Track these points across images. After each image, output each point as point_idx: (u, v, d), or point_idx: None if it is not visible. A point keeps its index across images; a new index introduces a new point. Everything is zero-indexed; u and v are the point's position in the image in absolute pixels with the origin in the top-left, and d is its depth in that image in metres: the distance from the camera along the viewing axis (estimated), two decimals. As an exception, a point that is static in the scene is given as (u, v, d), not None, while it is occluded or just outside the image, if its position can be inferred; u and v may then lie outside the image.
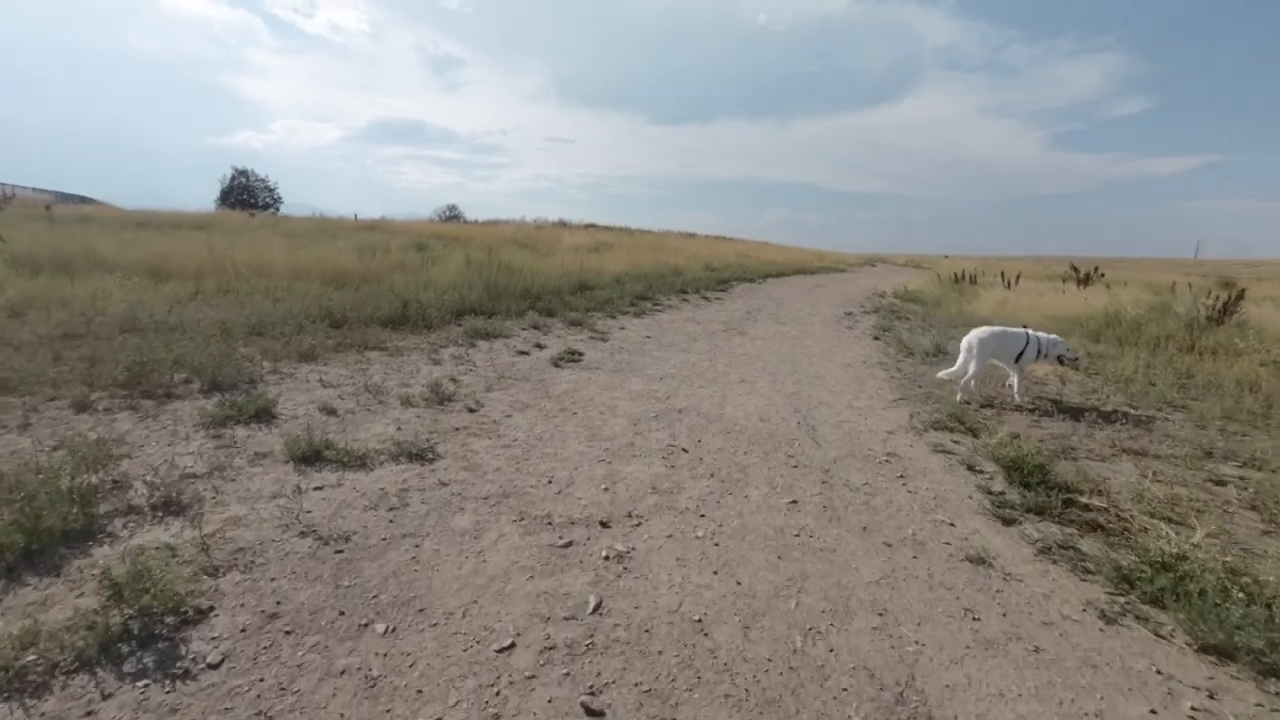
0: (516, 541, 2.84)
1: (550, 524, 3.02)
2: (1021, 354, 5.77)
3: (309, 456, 3.51)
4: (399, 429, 4.15)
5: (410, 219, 35.91)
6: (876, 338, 9.20)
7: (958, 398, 5.77)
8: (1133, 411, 5.58)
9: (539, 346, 7.19)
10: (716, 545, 2.91)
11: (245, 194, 37.12)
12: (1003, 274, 17.10)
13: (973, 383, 5.80)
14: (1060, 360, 5.85)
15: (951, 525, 3.24)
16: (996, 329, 5.84)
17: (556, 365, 6.34)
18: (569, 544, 2.84)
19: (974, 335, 5.74)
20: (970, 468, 4.06)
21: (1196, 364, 7.53)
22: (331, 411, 4.38)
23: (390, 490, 3.24)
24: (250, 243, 13.43)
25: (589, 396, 5.28)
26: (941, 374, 5.91)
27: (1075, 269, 23.08)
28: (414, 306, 8.00)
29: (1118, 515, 3.32)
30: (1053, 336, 5.92)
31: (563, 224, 39.80)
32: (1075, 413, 5.44)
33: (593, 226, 38.38)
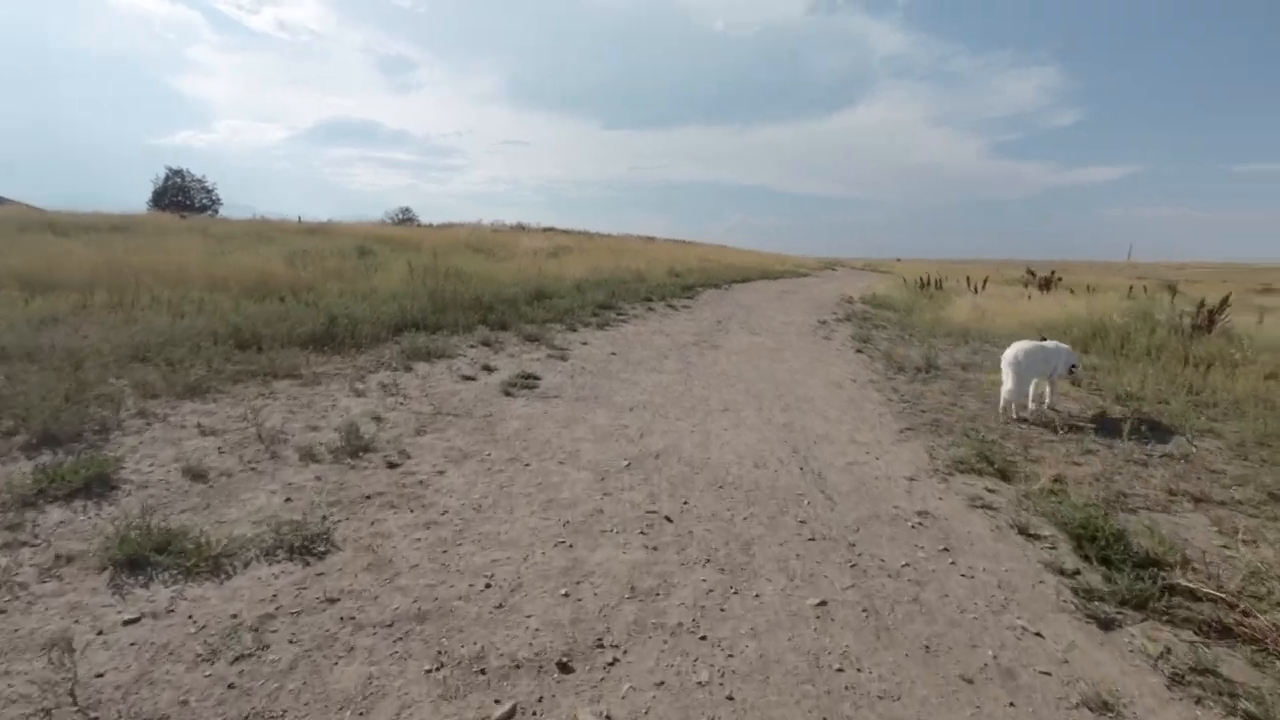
0: (426, 717, 1.82)
1: (482, 672, 2.01)
2: (1056, 367, 5.47)
3: (138, 560, 2.42)
4: (287, 500, 3.07)
5: (360, 221, 34.08)
6: (859, 350, 8.43)
7: (1014, 415, 5.44)
8: (1158, 435, 4.87)
9: (488, 369, 6.13)
10: (730, 700, 1.95)
11: (181, 195, 34.63)
12: (968, 279, 16.74)
13: (1029, 402, 5.51)
14: (1071, 371, 5.57)
15: (1038, 635, 2.36)
16: (1032, 344, 5.48)
17: (507, 393, 5.30)
18: (510, 715, 1.84)
19: (1017, 352, 5.36)
20: (1024, 532, 3.21)
21: (1196, 377, 6.98)
22: (199, 475, 3.26)
23: (246, 619, 2.18)
24: (168, 247, 11.95)
25: (545, 438, 4.26)
26: (1004, 404, 5.44)
27: (1032, 273, 23.11)
28: (343, 322, 6.84)
29: (1241, 611, 2.50)
30: (1064, 346, 5.62)
31: (521, 227, 38.48)
32: (1103, 429, 4.69)
33: (551, 230, 37.20)
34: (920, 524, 3.25)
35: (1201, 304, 9.08)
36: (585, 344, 7.89)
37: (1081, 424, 5.23)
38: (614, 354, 7.33)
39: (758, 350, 8.11)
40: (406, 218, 45.95)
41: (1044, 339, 5.84)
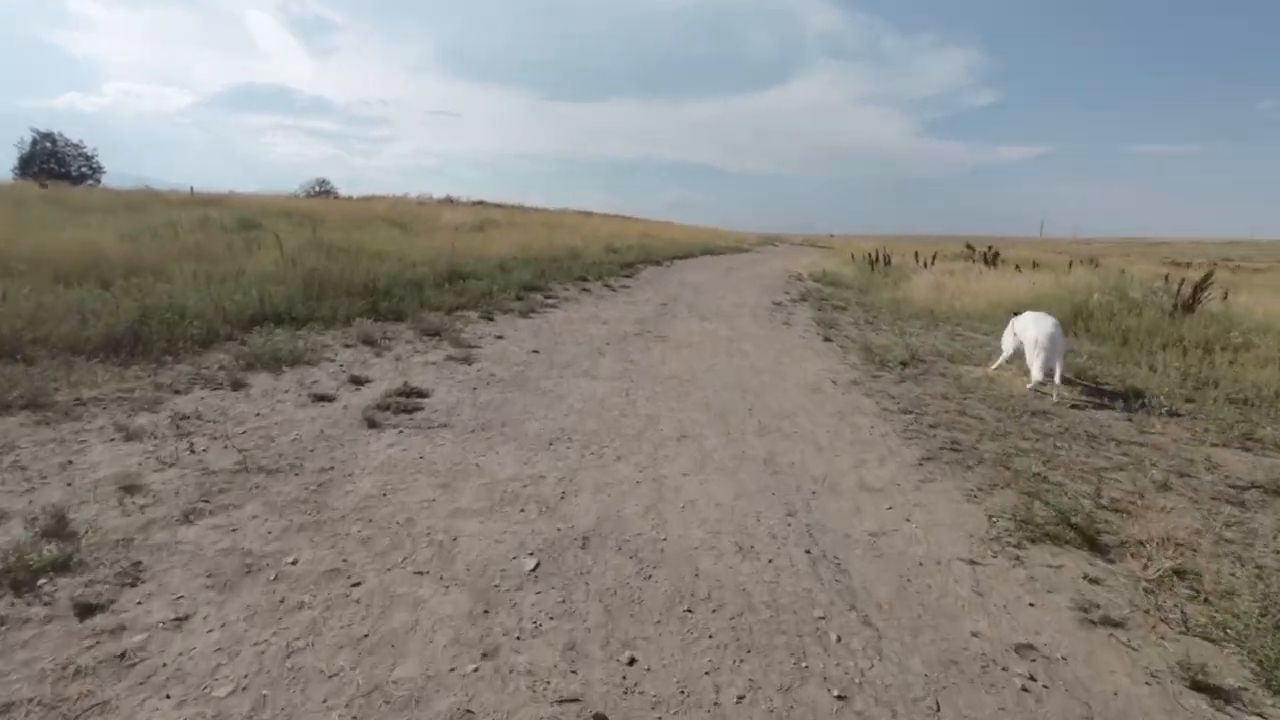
0: None
1: None
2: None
3: None
4: None
5: (271, 194, 30.54)
6: (826, 339, 7.11)
7: (1054, 399, 4.97)
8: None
9: (357, 381, 4.41)
10: None
11: (53, 162, 30.07)
12: (916, 255, 15.90)
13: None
14: None
15: None
16: (1052, 319, 5.28)
17: (372, 424, 3.63)
18: None
19: (1050, 328, 5.10)
20: (1205, 687, 1.88)
21: (1204, 364, 6.02)
22: None
23: None
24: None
25: (406, 513, 2.65)
26: (1047, 387, 5.05)
27: (971, 248, 22.70)
28: (162, 317, 4.93)
29: None
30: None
31: (449, 201, 35.72)
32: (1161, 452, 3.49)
33: (482, 204, 34.67)
34: (1030, 682, 1.87)
35: (1182, 282, 8.24)
36: (501, 338, 6.22)
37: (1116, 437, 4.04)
38: (536, 351, 5.71)
39: (712, 341, 6.66)
40: (324, 190, 42.06)
41: (1016, 314, 5.76)
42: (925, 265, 14.51)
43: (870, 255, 15.95)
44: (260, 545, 2.31)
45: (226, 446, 3.13)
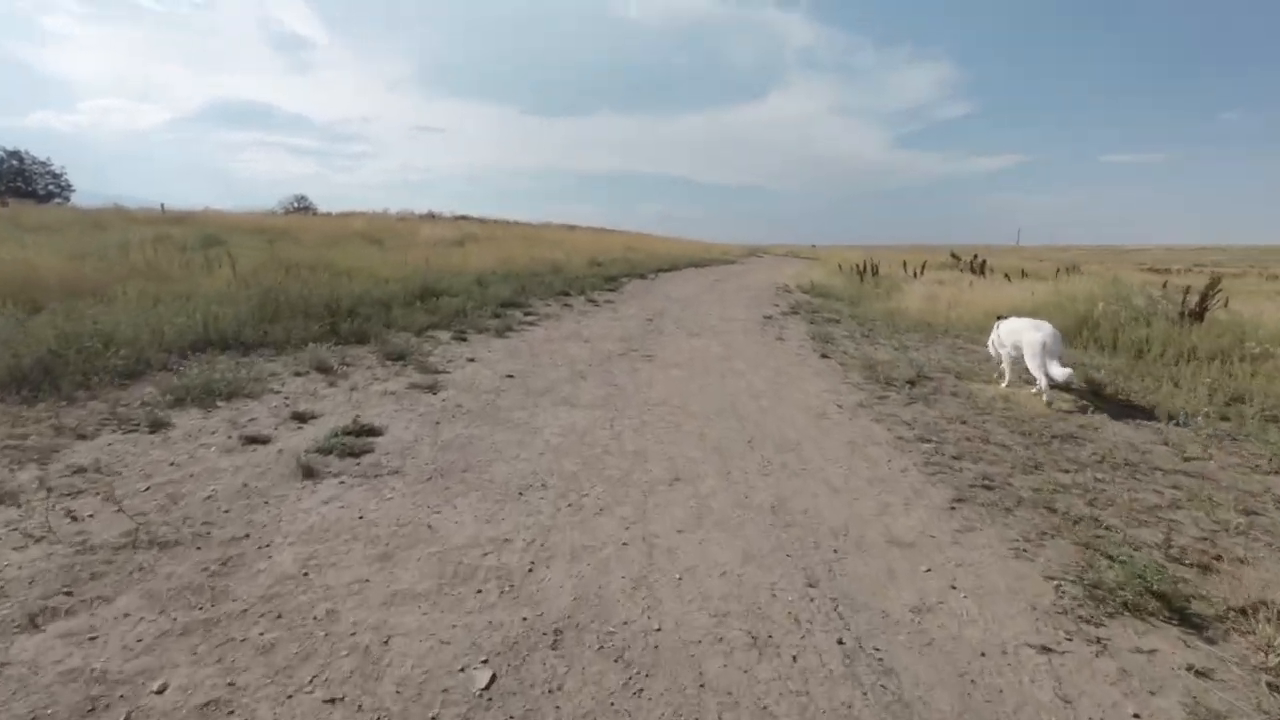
0: None
1: None
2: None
3: None
4: None
5: (246, 210, 29.70)
6: (824, 355, 6.62)
7: (1045, 401, 4.88)
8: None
9: (300, 418, 3.81)
10: None
11: (19, 180, 29.06)
12: (905, 264, 15.57)
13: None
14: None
15: None
16: (1047, 324, 5.09)
17: (309, 472, 3.03)
18: None
19: (1050, 332, 4.95)
20: None
21: (1224, 376, 5.61)
22: None
23: None
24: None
25: (328, 601, 2.06)
26: (1056, 379, 4.76)
27: (957, 256, 22.51)
28: (82, 345, 4.31)
29: None
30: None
31: (431, 216, 35.11)
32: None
33: (464, 218, 34.13)
34: None
35: (1187, 290, 7.88)
36: (473, 361, 5.65)
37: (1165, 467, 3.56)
38: (511, 376, 5.15)
39: (703, 360, 6.14)
40: (302, 206, 41.21)
41: (1001, 318, 5.59)
42: (915, 275, 14.16)
43: (858, 266, 15.60)
44: (120, 663, 1.72)
45: (119, 511, 2.53)
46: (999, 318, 5.62)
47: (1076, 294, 8.73)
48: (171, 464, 3.05)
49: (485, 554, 2.40)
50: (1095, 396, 5.20)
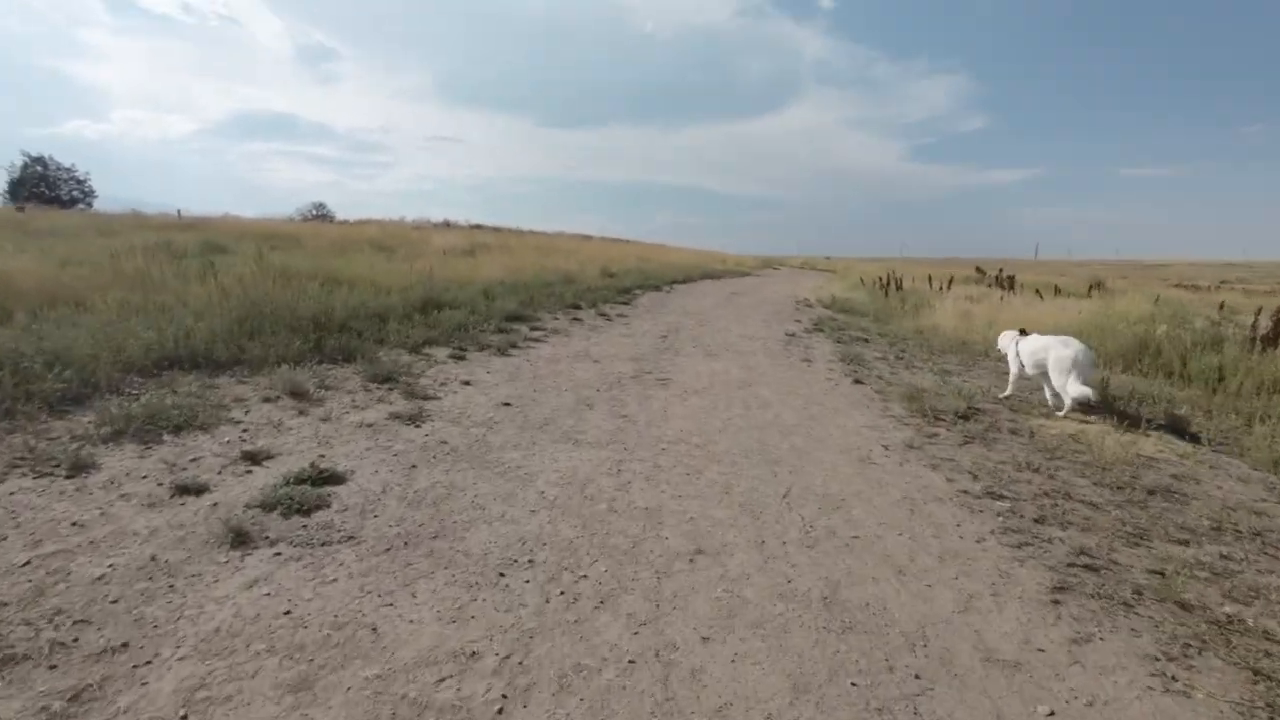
0: None
1: None
2: None
3: None
4: None
5: (265, 217, 29.52)
6: (858, 380, 5.91)
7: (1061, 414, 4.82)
8: None
9: (252, 458, 3.19)
10: None
11: (44, 186, 29.17)
12: (930, 278, 14.80)
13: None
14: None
15: None
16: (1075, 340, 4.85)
17: (239, 537, 2.40)
18: None
19: (1080, 350, 4.70)
20: None
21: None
22: None
23: None
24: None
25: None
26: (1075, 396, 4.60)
27: (981, 270, 21.65)
28: (18, 367, 3.74)
29: None
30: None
31: (446, 224, 34.86)
32: None
33: (479, 227, 33.82)
34: None
35: (1259, 311, 7.09)
36: (468, 384, 5.03)
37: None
38: (508, 404, 4.51)
39: (724, 385, 5.46)
40: (321, 214, 41.16)
41: (1024, 333, 5.39)
42: (942, 290, 13.40)
43: (881, 280, 14.85)
44: None
45: (-35, 605, 1.91)
46: (1021, 331, 5.46)
47: (1129, 314, 7.95)
48: (74, 524, 2.44)
49: (441, 680, 1.74)
50: (1175, 433, 4.46)
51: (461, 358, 5.95)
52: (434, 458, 3.39)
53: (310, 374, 4.73)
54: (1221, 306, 8.43)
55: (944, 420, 4.64)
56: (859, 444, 4.04)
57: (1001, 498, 3.25)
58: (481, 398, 4.65)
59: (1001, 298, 12.17)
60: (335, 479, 3.01)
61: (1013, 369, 5.34)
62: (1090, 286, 15.80)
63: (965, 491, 3.32)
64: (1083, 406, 4.76)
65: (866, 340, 8.51)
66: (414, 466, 3.24)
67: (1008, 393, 5.39)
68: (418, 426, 3.88)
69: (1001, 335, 5.68)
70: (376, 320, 6.77)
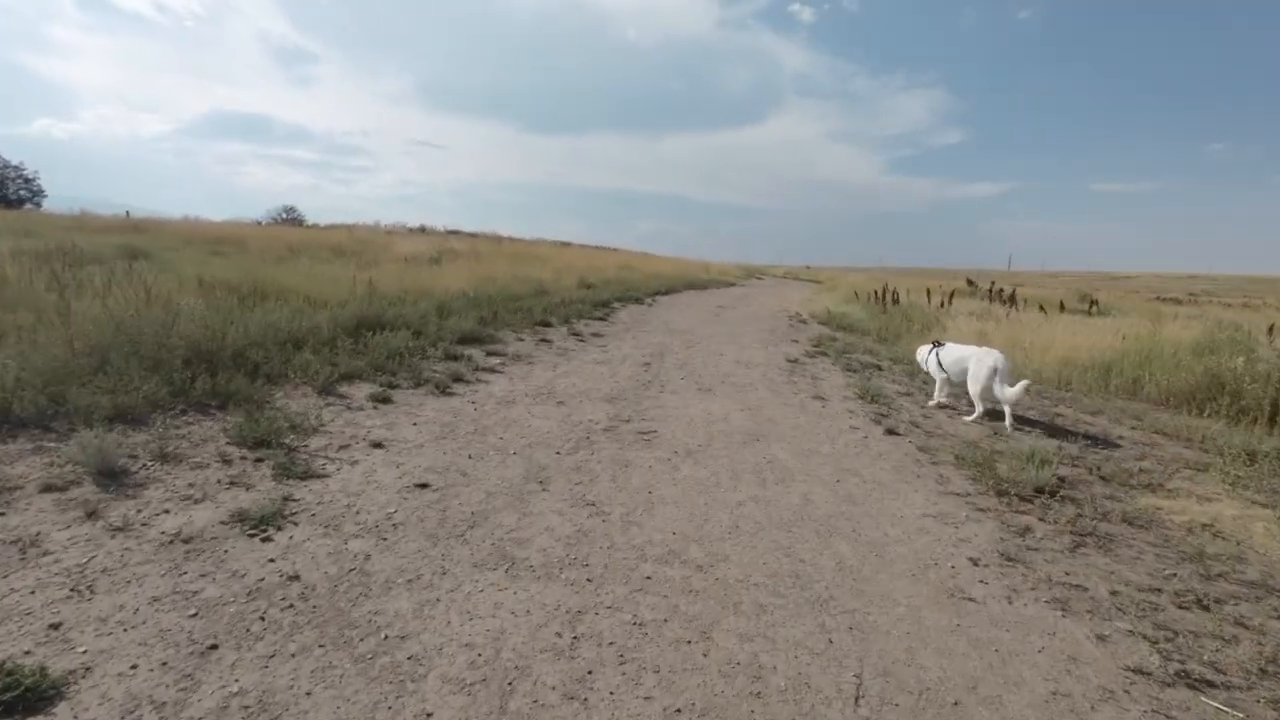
0: None
1: None
2: None
3: None
4: None
5: (230, 221, 27.55)
6: (891, 431, 4.59)
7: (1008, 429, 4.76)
8: None
9: (-91, 642, 1.77)
10: None
11: (-12, 184, 26.95)
12: (928, 292, 13.65)
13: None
14: None
15: None
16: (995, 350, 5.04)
17: None
18: None
19: (999, 359, 4.86)
20: None
21: None
22: None
23: None
24: None
25: None
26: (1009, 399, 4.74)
27: (972, 283, 20.67)
28: None
29: None
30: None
31: (422, 230, 33.28)
32: None
33: (455, 233, 32.26)
34: None
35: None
36: (380, 446, 3.60)
37: None
38: (424, 486, 3.09)
39: (725, 442, 4.11)
40: (291, 217, 39.15)
41: (939, 343, 5.62)
42: (943, 305, 12.24)
43: (876, 293, 13.67)
44: None
45: None
46: (935, 343, 5.68)
47: (1180, 340, 6.78)
48: None
49: None
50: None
51: (386, 400, 4.51)
52: (258, 622, 1.96)
53: (152, 436, 3.27)
54: (1271, 330, 7.31)
55: (1027, 499, 3.34)
56: (934, 555, 2.70)
57: (1208, 684, 1.93)
58: (389, 473, 3.22)
59: (1008, 314, 11.04)
60: (41, 698, 1.58)
61: (938, 377, 5.48)
62: (1090, 304, 14.81)
63: (1139, 670, 1.99)
64: (988, 410, 5.01)
65: (879, 367, 7.23)
66: (212, 648, 1.82)
67: (936, 400, 5.52)
68: (266, 540, 2.45)
69: (919, 349, 5.89)
70: (289, 347, 5.30)
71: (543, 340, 7.51)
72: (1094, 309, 14.29)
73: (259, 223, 31.81)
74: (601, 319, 9.97)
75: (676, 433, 4.26)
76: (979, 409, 5.01)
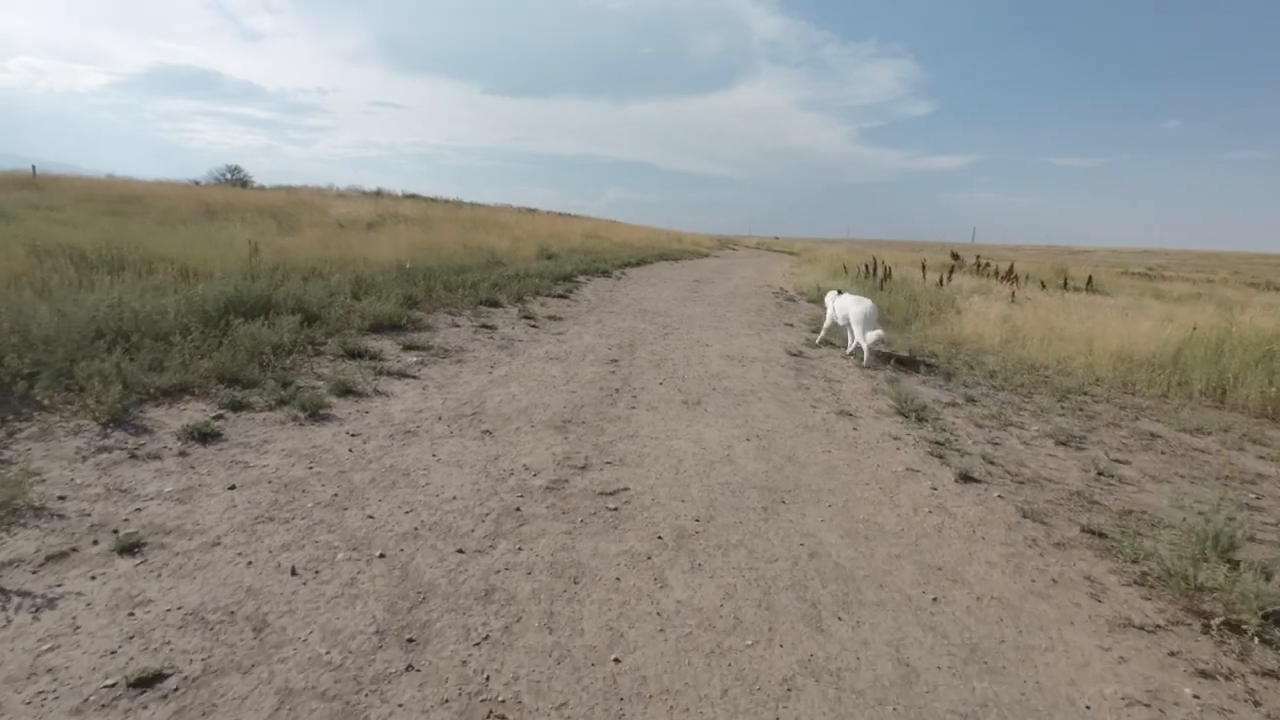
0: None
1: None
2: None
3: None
4: None
5: (163, 180, 24.49)
6: (965, 475, 3.13)
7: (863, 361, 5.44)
8: None
9: None
10: None
11: None
12: (923, 267, 12.29)
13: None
14: None
15: None
16: (869, 300, 5.68)
17: None
18: None
19: (869, 307, 5.52)
20: None
21: None
22: None
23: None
24: None
25: None
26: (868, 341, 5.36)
27: (956, 256, 19.48)
28: None
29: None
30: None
31: (378, 193, 30.66)
32: None
33: (415, 197, 29.74)
34: None
35: None
36: (136, 552, 1.95)
37: None
38: (154, 680, 1.49)
39: (733, 508, 2.58)
40: (237, 178, 35.63)
41: (840, 292, 6.18)
42: (941, 282, 10.88)
43: (867, 268, 12.25)
44: None
45: None
46: (838, 291, 6.25)
47: (1265, 332, 5.48)
48: None
49: None
50: None
51: (209, 436, 2.85)
52: None
53: None
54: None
55: (1247, 637, 1.91)
56: None
57: None
58: (84, 652, 1.60)
59: (1013, 294, 9.75)
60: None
61: (828, 320, 6.10)
62: (1089, 279, 13.70)
63: None
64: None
65: (910, 364, 5.76)
66: None
67: (820, 338, 6.29)
68: None
69: (828, 294, 6.35)
70: (113, 342, 3.55)
71: (484, 326, 5.83)
72: (1090, 286, 13.20)
73: (196, 183, 28.65)
74: (562, 296, 8.28)
75: (658, 489, 2.71)
76: (862, 343, 5.45)
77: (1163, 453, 3.72)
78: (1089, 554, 2.42)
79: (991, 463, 3.33)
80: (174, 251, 6.74)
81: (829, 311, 6.08)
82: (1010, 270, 12.60)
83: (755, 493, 2.76)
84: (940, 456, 3.36)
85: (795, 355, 5.71)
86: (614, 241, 18.61)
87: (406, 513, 2.36)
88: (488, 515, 2.38)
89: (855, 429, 3.76)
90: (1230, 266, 43.49)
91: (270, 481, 2.51)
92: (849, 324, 5.64)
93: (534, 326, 6.14)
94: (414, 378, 4.10)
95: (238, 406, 3.25)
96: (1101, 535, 2.54)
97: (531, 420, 3.47)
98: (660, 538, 2.33)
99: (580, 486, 2.69)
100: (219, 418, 3.10)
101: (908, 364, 5.52)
